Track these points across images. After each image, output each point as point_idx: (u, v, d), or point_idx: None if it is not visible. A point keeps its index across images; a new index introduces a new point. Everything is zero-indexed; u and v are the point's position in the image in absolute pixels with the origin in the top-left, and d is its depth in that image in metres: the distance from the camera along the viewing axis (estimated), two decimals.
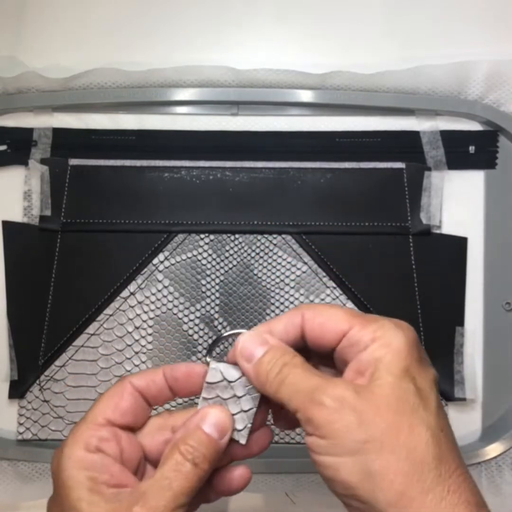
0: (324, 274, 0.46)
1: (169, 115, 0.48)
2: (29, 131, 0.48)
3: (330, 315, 0.30)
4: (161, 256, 0.47)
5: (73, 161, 0.47)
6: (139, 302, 0.46)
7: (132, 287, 0.46)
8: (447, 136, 0.47)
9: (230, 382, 0.31)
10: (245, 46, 0.50)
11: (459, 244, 0.47)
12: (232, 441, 0.31)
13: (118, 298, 0.46)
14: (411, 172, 0.47)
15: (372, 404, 0.26)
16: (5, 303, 0.46)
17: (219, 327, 0.46)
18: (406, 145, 0.48)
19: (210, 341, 0.46)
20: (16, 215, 0.47)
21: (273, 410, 0.33)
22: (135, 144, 0.48)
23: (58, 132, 0.48)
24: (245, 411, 0.31)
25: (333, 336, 0.30)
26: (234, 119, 0.48)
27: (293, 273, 0.46)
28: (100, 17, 0.50)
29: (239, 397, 0.31)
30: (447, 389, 0.45)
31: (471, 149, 0.47)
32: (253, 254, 0.47)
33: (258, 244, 0.47)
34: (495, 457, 0.45)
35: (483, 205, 0.47)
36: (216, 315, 0.46)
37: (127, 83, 0.47)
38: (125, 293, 0.46)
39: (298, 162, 0.47)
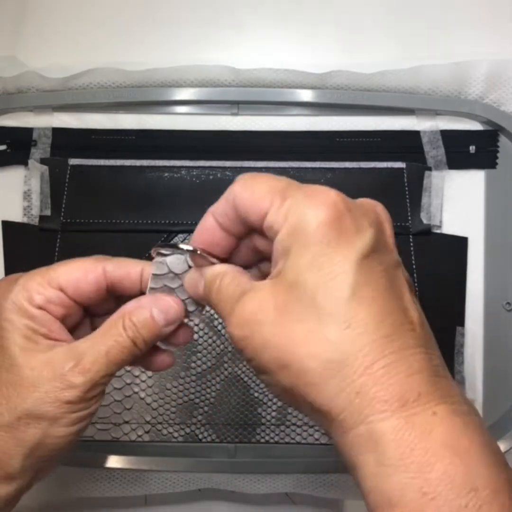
0: None
1: (169, 115, 0.48)
2: (29, 131, 0.48)
3: (253, 192, 0.26)
4: None
5: (73, 161, 0.47)
6: None
7: None
8: (448, 136, 0.47)
9: (176, 274, 0.31)
10: (245, 46, 0.50)
11: (460, 244, 0.47)
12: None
13: None
14: (411, 172, 0.47)
15: (268, 314, 0.24)
16: None
17: (219, 327, 0.46)
18: (406, 145, 0.48)
19: (210, 341, 0.46)
20: (16, 215, 0.47)
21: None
22: (135, 144, 0.48)
23: (58, 132, 0.48)
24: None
25: (256, 218, 0.26)
26: (234, 119, 0.48)
27: None
28: (100, 17, 0.50)
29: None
30: None
31: (472, 148, 0.47)
32: None
33: None
34: None
35: (484, 205, 0.47)
36: (216, 315, 0.46)
37: (127, 83, 0.47)
38: None
39: (298, 162, 0.47)
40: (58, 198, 0.47)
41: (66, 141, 0.48)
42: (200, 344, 0.46)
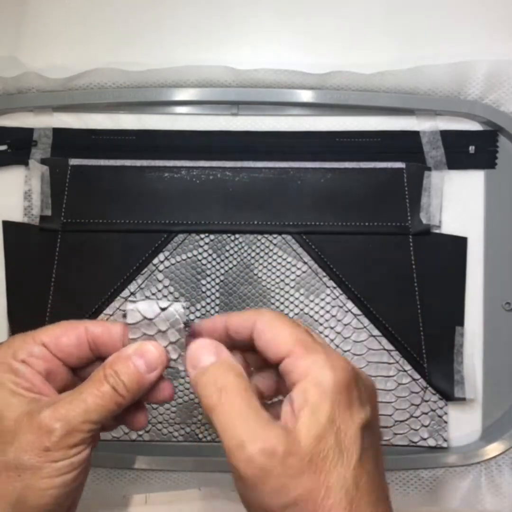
0: (324, 274, 0.46)
1: (169, 115, 0.48)
2: (29, 131, 0.48)
3: (275, 334, 0.29)
4: (161, 256, 0.47)
5: (73, 161, 0.47)
6: None
7: (132, 287, 0.46)
8: (447, 136, 0.47)
9: (150, 319, 0.31)
10: (245, 46, 0.50)
11: (459, 244, 0.47)
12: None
13: (118, 298, 0.46)
14: (411, 172, 0.47)
15: (297, 464, 0.26)
16: (5, 303, 0.46)
17: None
18: (406, 145, 0.48)
19: None
20: (17, 215, 0.47)
21: None
22: (135, 144, 0.48)
23: (58, 132, 0.48)
24: (174, 343, 0.32)
25: (274, 357, 0.29)
26: (234, 119, 0.48)
27: (293, 273, 0.47)
28: (100, 17, 0.50)
29: (164, 331, 0.32)
30: (447, 389, 0.45)
31: (471, 149, 0.47)
32: (253, 254, 0.47)
33: (258, 244, 0.47)
34: (495, 457, 0.45)
35: (483, 205, 0.47)
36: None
37: (127, 83, 0.47)
38: (125, 293, 0.46)
39: (298, 162, 0.47)
40: (58, 198, 0.47)
41: (67, 141, 0.48)
42: None
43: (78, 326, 0.32)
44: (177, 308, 0.32)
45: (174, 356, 0.32)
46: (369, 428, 0.28)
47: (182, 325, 0.32)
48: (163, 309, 0.31)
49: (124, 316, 0.32)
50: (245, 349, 0.32)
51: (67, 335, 0.31)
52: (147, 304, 0.32)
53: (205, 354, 0.30)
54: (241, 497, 0.28)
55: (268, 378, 0.32)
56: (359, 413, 0.28)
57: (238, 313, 0.32)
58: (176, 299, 0.32)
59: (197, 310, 0.46)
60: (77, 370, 0.33)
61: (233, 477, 0.27)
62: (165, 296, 0.46)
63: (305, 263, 0.47)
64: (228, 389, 0.28)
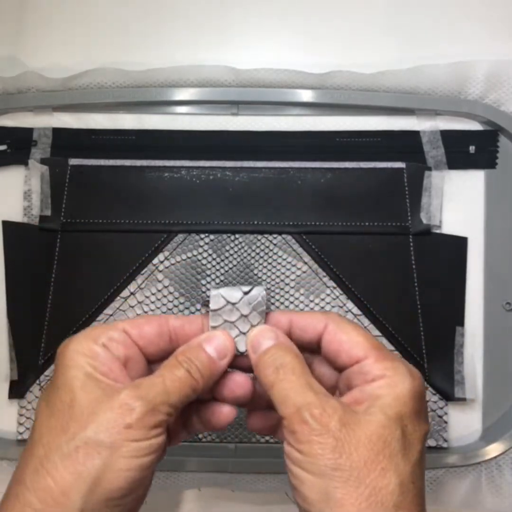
0: (324, 274, 0.46)
1: (169, 115, 0.48)
2: (29, 131, 0.48)
3: (351, 338, 0.31)
4: (161, 256, 0.47)
5: (73, 161, 0.47)
6: (139, 302, 0.46)
7: (132, 287, 0.46)
8: (447, 136, 0.47)
9: (233, 304, 0.32)
10: (246, 46, 0.50)
11: (459, 244, 0.47)
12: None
13: (118, 298, 0.46)
14: (411, 172, 0.47)
15: (355, 435, 0.27)
16: (5, 303, 0.46)
17: None
18: (406, 145, 0.48)
19: None
20: (16, 215, 0.47)
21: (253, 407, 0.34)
22: (135, 144, 0.48)
23: (58, 132, 0.48)
24: (255, 326, 0.33)
25: (346, 359, 0.31)
26: (234, 119, 0.48)
27: (293, 273, 0.46)
28: (100, 17, 0.50)
29: (246, 316, 0.33)
30: (447, 389, 0.45)
31: (472, 148, 0.47)
32: (253, 254, 0.47)
33: (258, 244, 0.47)
34: (495, 457, 0.45)
35: (483, 205, 0.47)
36: None
37: (127, 83, 0.47)
38: (125, 293, 0.46)
39: (298, 162, 0.47)
40: (58, 198, 0.47)
41: (66, 141, 0.48)
42: None
43: (159, 317, 0.33)
44: (260, 291, 0.33)
45: (243, 348, 0.33)
46: (426, 441, 0.29)
47: (264, 307, 0.32)
48: (246, 293, 0.33)
49: (206, 303, 0.33)
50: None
51: (149, 324, 0.32)
52: (230, 289, 0.33)
53: (265, 338, 0.32)
54: (292, 471, 0.28)
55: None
56: (425, 423, 0.29)
57: (304, 313, 0.33)
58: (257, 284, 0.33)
59: (197, 310, 0.46)
60: (153, 365, 0.33)
61: (290, 443, 0.28)
62: (165, 296, 0.46)
63: (305, 263, 0.47)
64: (286, 367, 0.30)
